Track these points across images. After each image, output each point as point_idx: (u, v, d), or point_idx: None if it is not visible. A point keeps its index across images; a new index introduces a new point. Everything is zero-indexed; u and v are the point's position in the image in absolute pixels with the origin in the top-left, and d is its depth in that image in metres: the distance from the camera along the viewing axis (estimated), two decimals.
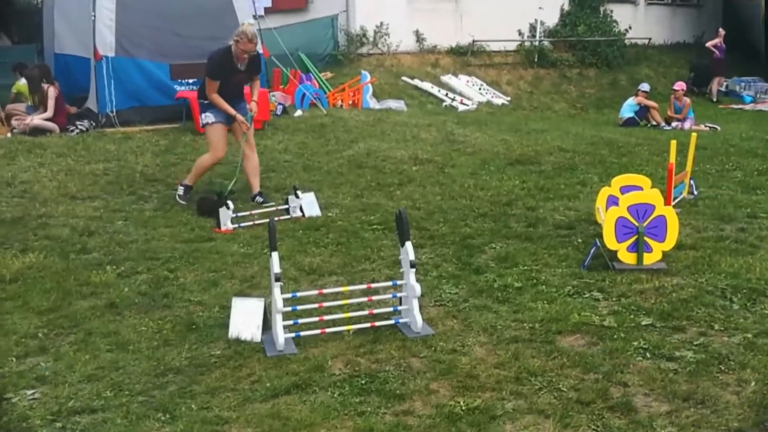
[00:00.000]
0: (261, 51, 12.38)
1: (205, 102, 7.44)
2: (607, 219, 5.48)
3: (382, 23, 17.37)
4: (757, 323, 4.45)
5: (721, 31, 20.18)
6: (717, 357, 4.00)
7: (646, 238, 5.40)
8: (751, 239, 6.13)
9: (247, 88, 7.62)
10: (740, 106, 18.79)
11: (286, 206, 7.02)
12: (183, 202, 7.50)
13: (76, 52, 11.92)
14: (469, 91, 17.15)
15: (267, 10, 15.69)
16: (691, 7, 24.18)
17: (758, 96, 20.11)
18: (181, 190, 7.60)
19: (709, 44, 20.12)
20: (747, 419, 3.38)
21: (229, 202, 6.64)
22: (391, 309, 4.62)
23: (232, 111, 7.37)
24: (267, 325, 4.44)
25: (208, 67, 7.34)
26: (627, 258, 5.45)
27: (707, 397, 3.59)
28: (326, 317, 4.48)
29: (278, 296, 4.30)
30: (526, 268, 5.51)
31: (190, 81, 11.04)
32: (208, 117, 7.44)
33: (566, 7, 20.43)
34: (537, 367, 3.95)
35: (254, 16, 13.27)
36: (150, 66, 11.17)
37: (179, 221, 6.93)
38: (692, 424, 3.36)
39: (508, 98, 17.63)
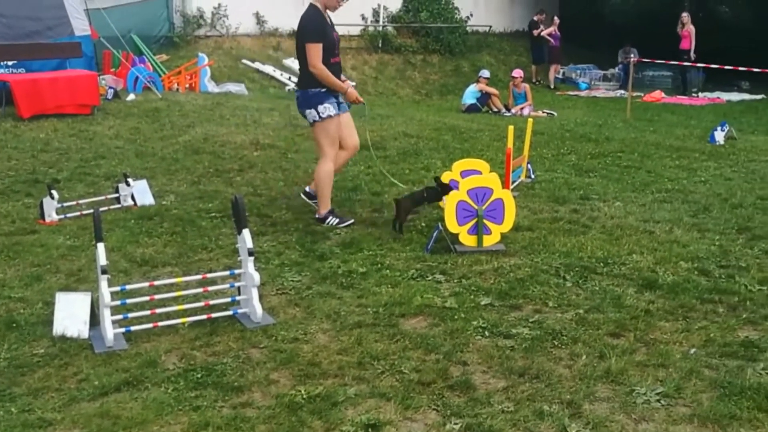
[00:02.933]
0: (89, 32, 11.78)
1: (312, 91, 5.99)
2: (448, 203, 5.54)
3: (220, 5, 16.94)
4: (588, 299, 4.62)
5: (556, 20, 21.09)
6: (551, 333, 4.11)
7: (485, 221, 5.51)
8: (583, 220, 6.39)
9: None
10: (576, 93, 19.73)
11: (117, 195, 6.64)
12: (347, 223, 6.13)
13: None
14: None
15: None
16: None
17: (593, 83, 21.24)
18: (334, 221, 6.11)
19: (544, 33, 20.97)
20: (578, 391, 3.48)
21: (54, 192, 6.19)
22: (229, 299, 4.45)
23: (343, 86, 5.98)
24: (95, 320, 4.17)
25: (308, 27, 5.89)
26: (468, 240, 5.53)
27: (542, 372, 3.66)
28: (159, 310, 4.24)
29: (105, 290, 4.04)
30: (370, 253, 5.47)
31: (10, 63, 10.26)
32: (327, 109, 5.98)
33: None
34: (380, 351, 3.91)
35: None
36: None
37: None
38: (528, 398, 3.42)
39: (353, 83, 17.60)
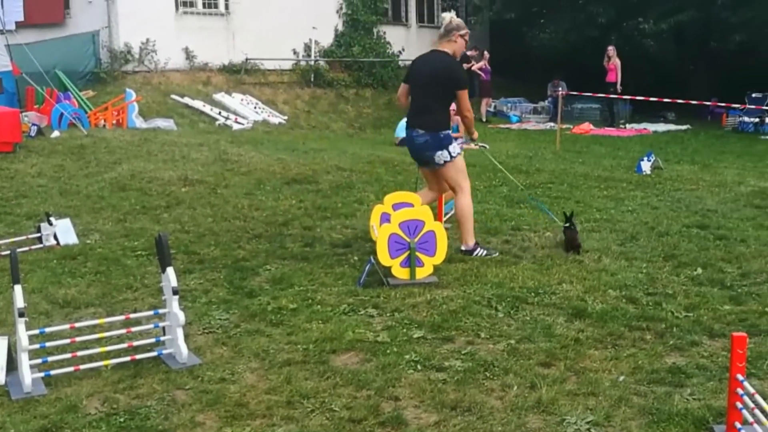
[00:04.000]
0: (10, 67, 11.48)
1: (443, 133, 6.20)
2: (381, 236, 5.51)
3: (148, 40, 16.71)
4: (519, 329, 4.62)
5: (486, 54, 21.47)
6: (483, 364, 4.09)
7: (417, 253, 5.49)
8: (514, 250, 6.43)
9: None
10: (507, 126, 20.05)
11: (39, 234, 6.43)
12: (494, 254, 6.27)
13: None
14: (244, 109, 16.94)
15: (19, 25, 14.49)
16: None
17: (523, 116, 21.63)
18: (482, 252, 6.25)
19: (475, 67, 21.32)
20: (510, 422, 3.46)
21: None
22: (153, 340, 4.31)
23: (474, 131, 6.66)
24: (12, 365, 3.98)
25: (463, 76, 6.32)
26: (400, 273, 5.50)
27: (473, 404, 3.63)
28: (81, 353, 4.10)
29: (23, 333, 3.88)
30: (301, 288, 5.40)
31: None
32: (456, 147, 6.26)
33: (340, 28, 20.84)
34: (310, 389, 3.83)
35: (1, 31, 12.24)
36: None
37: None
38: None
39: (285, 117, 17.61)
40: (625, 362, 4.12)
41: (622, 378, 3.92)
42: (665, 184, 9.82)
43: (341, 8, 20.83)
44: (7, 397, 3.79)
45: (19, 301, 3.92)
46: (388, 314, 4.91)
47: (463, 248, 6.30)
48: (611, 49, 19.60)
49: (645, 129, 19.01)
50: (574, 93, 18.58)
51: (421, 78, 6.24)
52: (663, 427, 3.39)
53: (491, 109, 21.57)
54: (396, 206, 6.33)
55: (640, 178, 10.33)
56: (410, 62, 6.38)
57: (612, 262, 6.04)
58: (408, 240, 5.47)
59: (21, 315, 3.89)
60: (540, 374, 3.96)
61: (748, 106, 18.60)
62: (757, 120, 18.65)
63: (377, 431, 3.43)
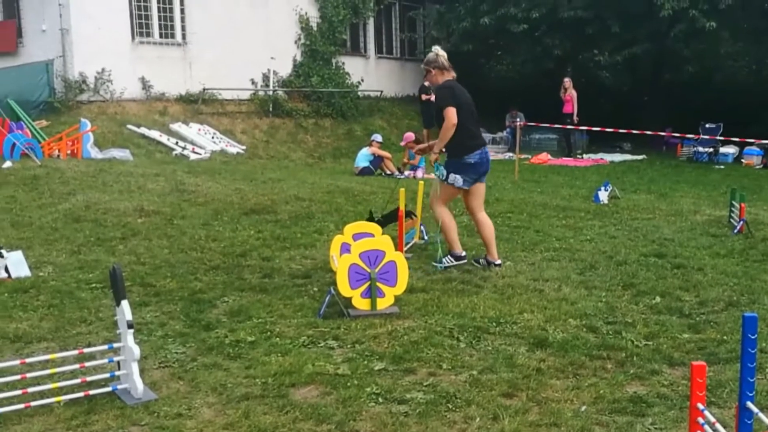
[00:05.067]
0: None
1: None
2: (341, 266, 5.46)
3: (104, 69, 16.54)
4: (481, 360, 4.60)
5: None
6: (445, 396, 4.05)
7: (378, 284, 5.45)
8: (476, 280, 6.42)
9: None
10: None
11: None
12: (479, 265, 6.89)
13: None
14: (201, 139, 16.82)
15: None
16: (419, 61, 25.82)
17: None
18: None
19: (432, 98, 21.49)
20: None
21: None
22: (108, 375, 4.19)
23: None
24: None
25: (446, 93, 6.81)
26: (361, 304, 5.45)
27: None
28: (32, 389, 3.95)
29: None
30: (260, 320, 5.31)
31: None
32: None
33: (299, 58, 20.88)
34: (269, 423, 3.75)
35: None
36: None
37: None
38: None
39: (244, 147, 17.51)
40: (587, 392, 4.11)
41: (584, 408, 3.91)
42: (622, 213, 9.93)
43: (300, 39, 20.88)
44: None
45: None
46: (348, 346, 4.85)
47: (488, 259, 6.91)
48: (567, 81, 19.92)
49: (602, 159, 19.30)
50: (532, 124, 18.82)
51: (469, 104, 6.85)
52: None
53: None
54: (356, 236, 6.29)
55: (598, 208, 10.44)
56: (448, 89, 6.82)
57: (572, 291, 6.07)
58: (369, 270, 5.43)
59: None
60: (502, 405, 3.93)
61: (702, 136, 19.04)
62: (711, 150, 19.11)
63: None
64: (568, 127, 19.14)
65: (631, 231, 8.71)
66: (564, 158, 19.19)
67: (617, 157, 19.67)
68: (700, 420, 3.04)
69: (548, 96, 20.66)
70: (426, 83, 21.82)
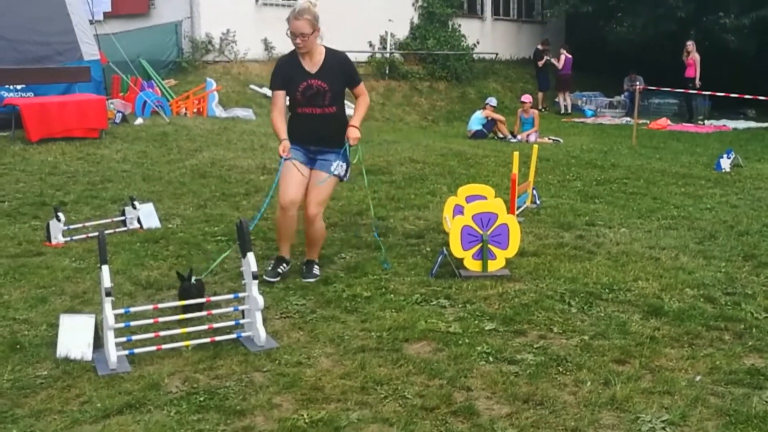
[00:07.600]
0: (98, 57, 11.87)
1: None
2: (453, 228, 5.53)
3: (228, 30, 17.06)
4: (593, 325, 4.59)
5: (566, 48, 21.19)
6: (555, 359, 4.08)
7: (490, 246, 5.50)
8: (588, 246, 6.37)
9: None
10: (582, 120, 19.75)
11: (123, 218, 6.66)
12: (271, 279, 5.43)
13: None
14: None
15: (106, 15, 15.09)
16: (536, 23, 25.33)
17: (599, 110, 21.29)
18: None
19: (554, 60, 21.09)
20: (583, 418, 3.44)
21: (60, 214, 6.22)
22: (233, 323, 4.44)
23: (282, 135, 5.28)
24: (99, 342, 4.15)
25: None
26: (472, 265, 5.52)
27: (546, 398, 3.63)
28: (163, 333, 4.24)
29: (109, 312, 4.03)
30: (375, 277, 5.46)
31: (19, 87, 10.37)
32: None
33: (416, 21, 20.86)
34: (383, 375, 3.89)
35: (91, 21, 12.68)
36: None
37: (5, 235, 6.42)
38: (531, 425, 3.39)
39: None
40: (702, 362, 4.06)
41: (698, 378, 3.87)
42: (745, 183, 9.56)
43: (417, 1, 20.83)
44: (94, 372, 3.93)
45: (106, 281, 4.06)
46: (459, 305, 4.94)
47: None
48: (690, 44, 19.12)
49: (724, 126, 18.50)
50: (652, 88, 18.17)
51: None
52: (741, 429, 3.34)
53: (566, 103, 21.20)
54: (469, 198, 6.35)
55: (720, 176, 10.08)
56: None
57: (690, 261, 5.94)
58: (481, 232, 5.48)
59: (108, 294, 4.04)
60: (614, 371, 3.94)
61: None
62: None
63: (450, 420, 3.46)
64: (690, 91, 18.40)
65: (754, 201, 8.39)
66: (684, 124, 18.49)
67: (741, 124, 18.80)
68: None
69: (669, 59, 19.87)
70: (540, 47, 21.47)
